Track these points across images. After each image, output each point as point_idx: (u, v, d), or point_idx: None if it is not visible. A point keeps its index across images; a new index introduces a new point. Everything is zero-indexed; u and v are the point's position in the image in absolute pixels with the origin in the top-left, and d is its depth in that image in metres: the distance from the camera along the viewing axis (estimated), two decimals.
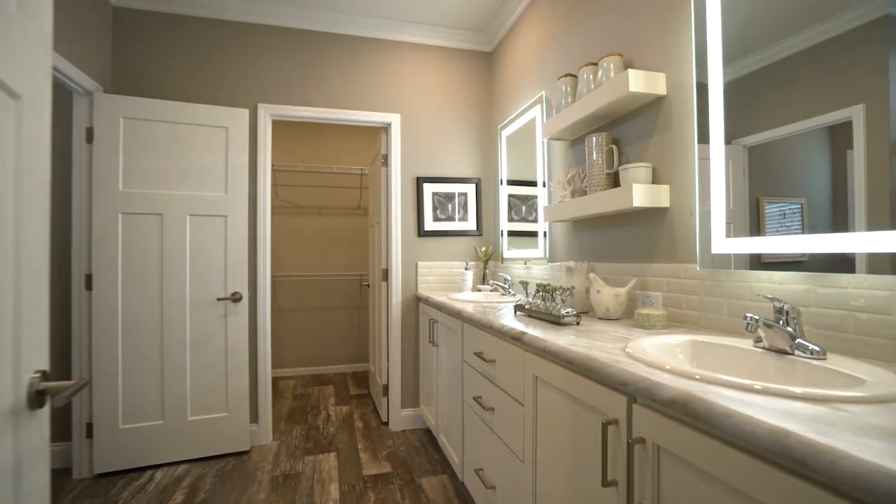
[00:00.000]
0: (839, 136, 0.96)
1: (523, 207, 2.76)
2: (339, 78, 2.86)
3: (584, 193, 1.99)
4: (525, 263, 2.63)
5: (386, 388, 2.99)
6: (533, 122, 2.45)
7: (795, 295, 1.09)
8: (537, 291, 1.70)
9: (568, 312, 1.46)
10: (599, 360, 0.97)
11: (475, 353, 1.75)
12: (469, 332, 1.89)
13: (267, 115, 2.69)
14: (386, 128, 3.00)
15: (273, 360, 4.24)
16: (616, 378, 0.90)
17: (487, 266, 3.03)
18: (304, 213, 4.33)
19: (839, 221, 0.96)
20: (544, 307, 1.57)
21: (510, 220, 2.82)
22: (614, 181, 1.77)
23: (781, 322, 0.97)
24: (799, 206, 1.05)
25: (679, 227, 1.47)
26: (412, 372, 2.96)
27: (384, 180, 3.02)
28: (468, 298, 2.51)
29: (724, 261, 1.25)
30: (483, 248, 3.00)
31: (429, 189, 3.01)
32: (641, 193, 1.48)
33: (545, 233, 2.33)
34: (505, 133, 2.85)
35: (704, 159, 1.30)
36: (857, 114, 0.92)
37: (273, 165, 3.98)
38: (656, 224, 1.57)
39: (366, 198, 4.49)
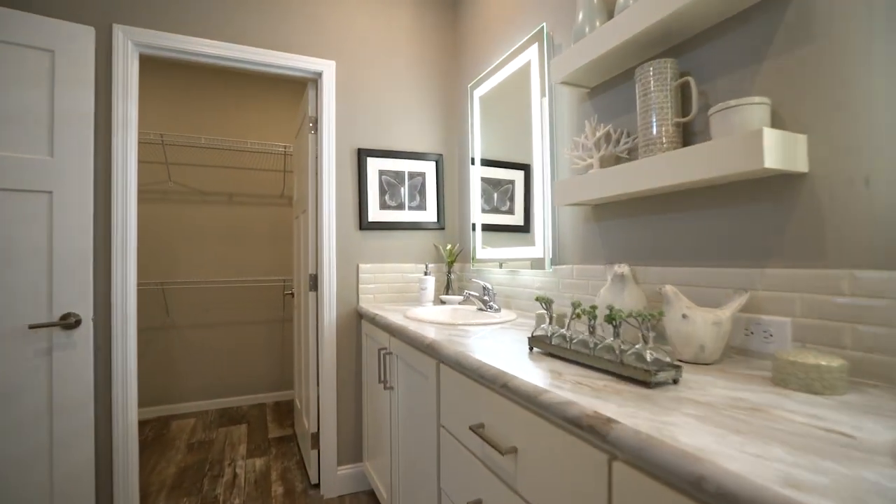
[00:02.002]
0: None
1: (495, 195, 2.09)
2: (248, 1, 2.00)
3: (617, 161, 1.34)
4: (500, 266, 1.95)
5: (316, 439, 2.17)
6: (526, 70, 1.77)
7: None
8: (575, 314, 1.01)
9: (660, 362, 0.78)
10: None
11: (470, 427, 1.02)
12: (452, 382, 1.16)
13: (129, 43, 1.78)
14: (315, 79, 2.18)
15: (164, 394, 3.23)
16: None
17: (453, 270, 2.31)
18: (209, 201, 3.35)
19: None
20: (602, 348, 0.88)
21: (481, 210, 2.13)
22: (684, 136, 1.13)
23: None
24: None
25: (831, 205, 0.84)
26: (353, 416, 2.17)
27: (313, 152, 2.21)
28: (434, 317, 1.78)
29: None
30: (448, 247, 2.28)
31: (374, 166, 2.23)
32: (776, 146, 0.84)
33: (548, 224, 1.65)
34: (478, 93, 2.15)
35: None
36: None
37: (162, 136, 2.99)
38: (778, 201, 0.93)
39: (291, 183, 3.60)
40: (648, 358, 0.78)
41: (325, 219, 2.11)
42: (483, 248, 2.12)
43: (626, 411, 0.65)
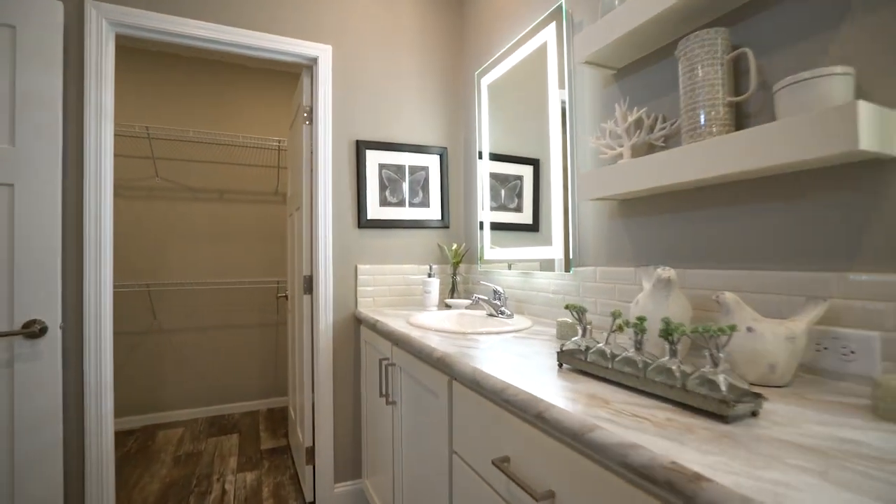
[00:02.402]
0: None
1: (502, 191, 1.94)
2: None
3: (650, 150, 1.19)
4: (510, 267, 1.80)
5: (311, 453, 2.01)
6: (541, 53, 1.61)
7: None
8: (615, 327, 0.86)
9: (737, 389, 0.63)
10: None
11: (493, 461, 0.86)
12: (469, 403, 1.01)
13: (104, 21, 1.61)
14: (310, 66, 2.02)
15: (150, 402, 3.05)
16: None
17: (458, 271, 2.15)
18: (199, 198, 3.18)
19: None
20: (654, 369, 0.73)
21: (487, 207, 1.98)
22: (737, 118, 0.98)
23: None
24: None
25: None
26: (351, 429, 2.01)
27: (308, 145, 2.04)
28: (441, 325, 1.63)
29: None
30: (453, 247, 2.12)
31: (374, 159, 2.07)
32: (872, 124, 0.69)
33: (569, 221, 1.50)
34: (486, 81, 2.00)
35: None
36: None
37: (148, 129, 2.82)
38: (864, 192, 0.78)
39: (285, 180, 3.43)
40: (723, 385, 0.63)
41: (321, 216, 1.95)
42: (491, 249, 1.96)
43: (715, 461, 0.50)
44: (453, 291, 2.09)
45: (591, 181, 1.22)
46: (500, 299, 1.67)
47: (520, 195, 1.91)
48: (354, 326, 2.02)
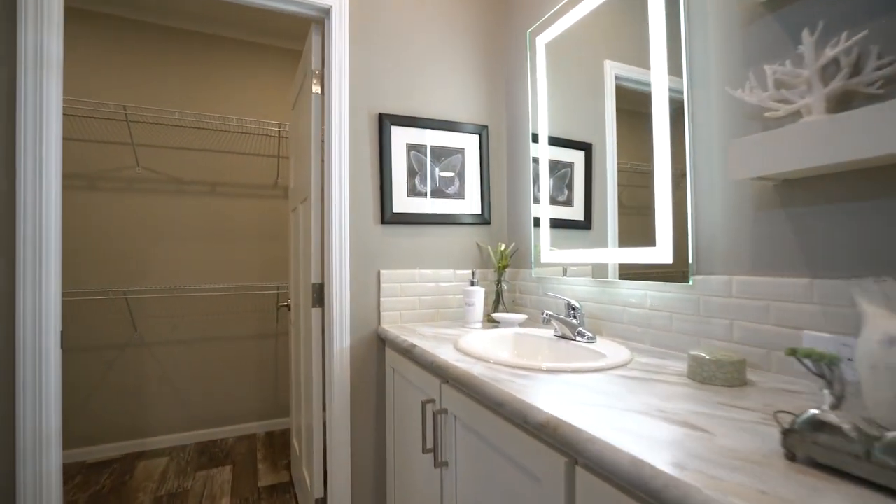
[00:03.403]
0: None
1: (550, 181, 1.56)
2: None
3: (850, 100, 0.78)
4: (565, 272, 1.42)
5: None
6: None
7: None
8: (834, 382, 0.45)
9: None
10: None
11: None
12: None
13: None
14: (321, 19, 1.61)
15: (130, 427, 2.63)
16: None
17: (503, 277, 1.74)
18: (187, 191, 2.77)
19: None
20: None
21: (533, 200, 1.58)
22: None
23: None
24: None
25: None
26: (372, 483, 1.60)
27: (318, 119, 1.63)
28: (504, 355, 1.24)
29: None
30: (499, 248, 1.71)
31: (401, 138, 1.66)
32: None
33: (686, 212, 1.09)
34: (543, 40, 1.59)
35: None
36: None
37: (126, 109, 2.40)
38: None
39: (287, 171, 3.02)
40: None
41: (335, 210, 1.53)
42: (551, 251, 1.56)
43: None
44: (498, 303, 1.69)
45: (751, 151, 0.81)
46: (576, 316, 1.27)
47: (570, 186, 1.54)
48: (377, 349, 1.61)
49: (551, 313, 1.27)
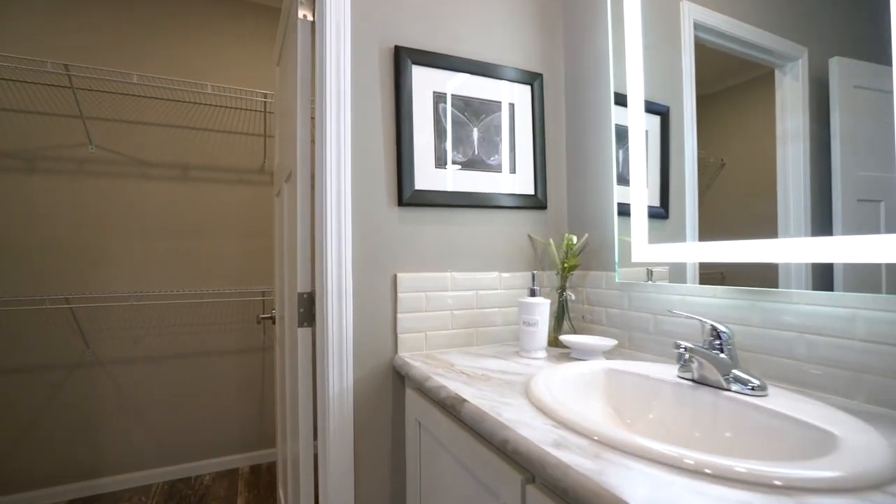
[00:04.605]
0: None
1: (623, 154, 1.09)
2: None
3: None
4: (650, 276, 0.94)
5: None
6: None
7: None
8: None
9: None
10: None
11: None
12: None
13: None
14: None
15: (83, 464, 2.13)
16: None
17: (568, 282, 1.23)
18: (153, 175, 2.27)
19: None
20: None
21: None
22: None
23: None
24: None
25: None
26: None
27: (305, 57, 1.13)
28: (642, 443, 0.73)
29: None
30: (566, 241, 1.20)
31: (426, 83, 1.16)
32: None
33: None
34: None
35: None
36: None
37: (68, 69, 1.90)
38: None
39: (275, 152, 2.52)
40: None
41: (332, 186, 1.03)
42: (648, 247, 1.06)
43: None
44: (562, 319, 1.19)
45: None
46: (724, 349, 0.77)
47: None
48: (393, 388, 1.11)
49: (689, 345, 0.77)
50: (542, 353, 1.06)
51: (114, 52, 2.17)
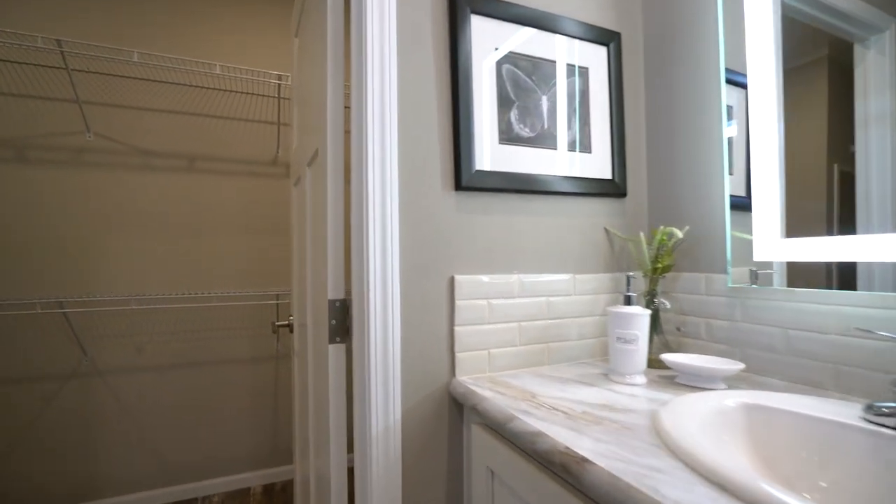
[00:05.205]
0: None
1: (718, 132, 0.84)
2: None
3: None
4: (755, 278, 0.70)
5: None
6: None
7: None
8: None
9: None
10: None
11: None
12: None
13: None
14: None
15: (79, 484, 1.92)
16: None
17: (659, 286, 1.00)
18: (157, 167, 2.06)
19: None
20: None
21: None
22: None
23: None
24: None
25: None
26: None
27: (338, 16, 0.91)
28: None
29: None
30: (658, 234, 0.97)
31: (488, 39, 0.93)
32: None
33: None
34: None
35: None
36: None
37: (61, 44, 1.69)
38: None
39: (289, 142, 2.30)
40: None
41: (375, 166, 0.81)
42: (783, 242, 0.82)
43: None
44: (653, 333, 0.95)
45: None
46: None
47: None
48: (449, 423, 0.88)
49: None
50: (642, 378, 0.83)
51: (111, 27, 1.96)
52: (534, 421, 0.64)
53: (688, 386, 0.81)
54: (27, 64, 1.82)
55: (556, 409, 0.69)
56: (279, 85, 2.13)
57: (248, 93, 2.19)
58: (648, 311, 0.83)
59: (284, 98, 2.23)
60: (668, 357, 0.84)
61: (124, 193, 2.00)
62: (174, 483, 2.09)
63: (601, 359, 1.03)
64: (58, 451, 1.89)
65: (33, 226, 1.86)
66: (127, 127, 2.00)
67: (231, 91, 2.15)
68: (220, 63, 1.98)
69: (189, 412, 2.11)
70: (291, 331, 1.54)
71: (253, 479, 2.23)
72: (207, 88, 2.11)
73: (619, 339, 0.83)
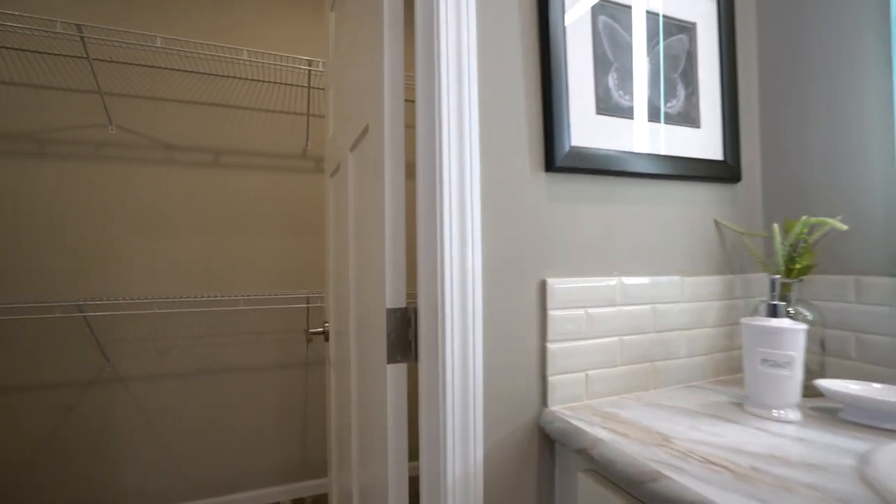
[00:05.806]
0: None
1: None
2: None
3: None
4: None
5: None
6: None
7: None
8: None
9: None
10: None
11: None
12: None
13: None
14: None
15: (100, 496, 1.81)
16: None
17: (795, 292, 0.80)
18: (180, 161, 1.93)
19: None
20: None
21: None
22: None
23: None
24: None
25: None
26: None
27: None
28: None
29: None
30: (798, 226, 0.77)
31: None
32: None
33: None
34: None
35: None
36: None
37: (81, 31, 1.57)
38: None
39: (320, 134, 2.15)
40: None
41: (451, 138, 0.63)
42: None
43: None
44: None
45: None
46: None
47: None
48: (538, 463, 0.70)
49: None
50: (796, 414, 0.63)
51: (131, 12, 1.84)
52: (690, 482, 0.46)
53: (858, 424, 0.62)
54: (48, 54, 1.71)
55: (712, 462, 0.50)
56: (309, 72, 1.98)
57: (275, 82, 2.05)
58: (804, 327, 0.64)
59: (315, 88, 2.08)
60: (835, 385, 0.64)
61: (147, 190, 1.88)
62: (198, 497, 1.96)
63: (714, 380, 0.83)
64: (79, 463, 1.78)
65: (51, 225, 1.75)
66: (148, 119, 1.88)
67: (258, 80, 2.01)
68: (247, 48, 1.84)
69: (213, 421, 1.97)
70: (327, 339, 1.38)
71: (280, 493, 2.09)
72: (234, 78, 1.98)
73: (765, 360, 0.64)
